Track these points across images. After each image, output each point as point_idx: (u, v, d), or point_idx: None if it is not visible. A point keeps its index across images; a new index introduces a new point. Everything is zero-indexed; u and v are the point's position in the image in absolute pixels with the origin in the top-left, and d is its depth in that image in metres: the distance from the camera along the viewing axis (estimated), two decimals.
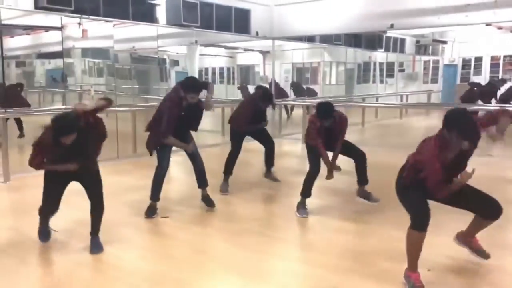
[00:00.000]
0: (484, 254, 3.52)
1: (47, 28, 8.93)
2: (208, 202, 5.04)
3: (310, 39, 12.79)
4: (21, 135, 9.11)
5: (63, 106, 8.81)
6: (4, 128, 6.53)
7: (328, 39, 13.43)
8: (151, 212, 4.79)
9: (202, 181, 5.00)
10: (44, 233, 4.03)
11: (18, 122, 9.09)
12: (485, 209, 3.31)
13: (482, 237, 3.59)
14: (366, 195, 5.00)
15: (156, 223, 4.67)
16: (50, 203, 3.87)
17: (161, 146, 4.75)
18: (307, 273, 3.58)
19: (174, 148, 4.85)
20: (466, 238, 3.57)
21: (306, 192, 4.90)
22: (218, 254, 3.92)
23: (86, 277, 3.48)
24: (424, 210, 3.15)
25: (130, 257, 3.80)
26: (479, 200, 3.31)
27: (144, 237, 4.36)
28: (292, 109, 14.95)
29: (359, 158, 4.94)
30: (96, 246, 3.83)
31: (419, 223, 3.11)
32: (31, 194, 5.57)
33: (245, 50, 18.13)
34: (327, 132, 4.72)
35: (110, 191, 5.74)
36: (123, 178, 6.72)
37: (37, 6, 6.98)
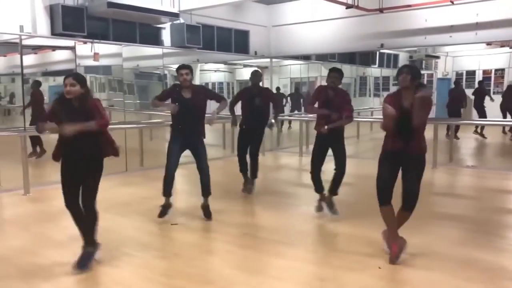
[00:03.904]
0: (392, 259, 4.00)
1: (61, 48, 9.39)
2: (206, 212, 5.44)
3: (306, 57, 13.43)
4: (37, 153, 9.42)
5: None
6: (24, 144, 7.08)
7: (323, 57, 14.07)
8: (161, 213, 5.35)
9: (205, 191, 5.47)
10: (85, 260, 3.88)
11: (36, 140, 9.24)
12: (405, 197, 3.95)
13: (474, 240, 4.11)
14: (330, 205, 5.44)
15: (167, 229, 5.19)
16: (67, 193, 3.87)
17: (170, 143, 5.35)
18: (299, 267, 4.12)
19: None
20: (389, 237, 4.08)
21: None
22: (222, 253, 4.47)
23: (109, 272, 3.94)
24: (380, 187, 3.99)
25: (146, 256, 4.30)
26: (407, 187, 3.95)
27: (157, 241, 4.89)
28: (282, 124, 14.42)
29: (339, 171, 5.38)
30: (82, 262, 3.79)
31: (379, 199, 4.00)
32: (51, 204, 6.13)
33: (244, 66, 18.75)
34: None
35: (122, 202, 6.34)
36: (133, 190, 7.26)
37: (54, 33, 7.60)
